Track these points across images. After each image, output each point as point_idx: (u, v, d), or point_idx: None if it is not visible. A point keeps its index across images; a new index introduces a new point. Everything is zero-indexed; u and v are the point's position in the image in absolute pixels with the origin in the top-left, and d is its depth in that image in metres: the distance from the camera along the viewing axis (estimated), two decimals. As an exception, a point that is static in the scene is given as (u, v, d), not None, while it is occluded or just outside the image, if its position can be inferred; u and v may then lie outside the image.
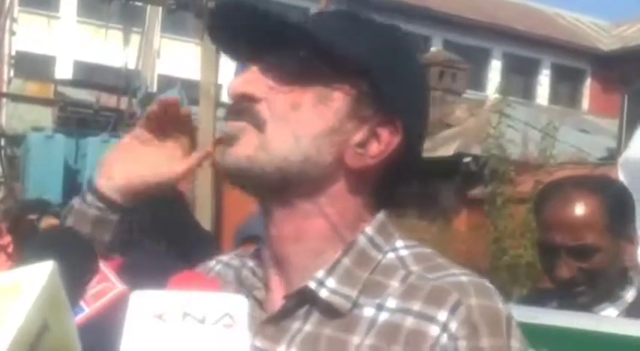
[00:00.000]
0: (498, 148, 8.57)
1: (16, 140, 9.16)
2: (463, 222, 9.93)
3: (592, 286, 1.43)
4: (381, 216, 0.82)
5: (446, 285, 0.75)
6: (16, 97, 10.76)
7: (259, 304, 0.79)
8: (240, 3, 0.78)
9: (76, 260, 0.71)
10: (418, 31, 23.03)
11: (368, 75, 0.77)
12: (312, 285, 0.77)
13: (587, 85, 25.39)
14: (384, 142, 0.78)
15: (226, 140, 0.77)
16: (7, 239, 2.20)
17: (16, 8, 15.15)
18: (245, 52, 0.80)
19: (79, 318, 0.74)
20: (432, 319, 0.73)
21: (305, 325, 0.76)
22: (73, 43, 19.28)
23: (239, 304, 0.68)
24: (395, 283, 0.77)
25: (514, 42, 23.69)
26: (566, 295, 1.47)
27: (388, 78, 0.78)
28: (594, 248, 1.42)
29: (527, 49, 24.03)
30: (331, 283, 0.76)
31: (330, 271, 0.77)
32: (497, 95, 10.44)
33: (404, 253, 0.80)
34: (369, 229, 0.80)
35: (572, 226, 1.42)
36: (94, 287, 0.75)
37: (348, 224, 0.79)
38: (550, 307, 1.49)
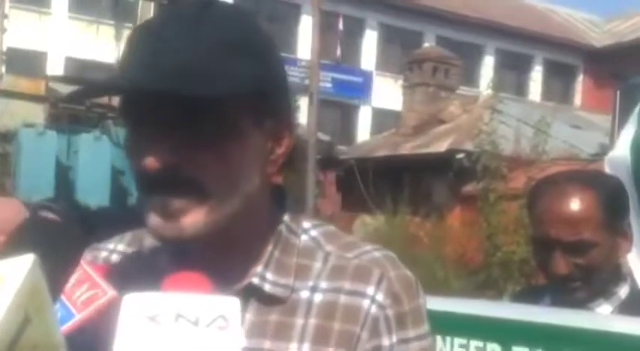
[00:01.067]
0: (491, 144, 8.59)
1: (7, 137, 9.11)
2: (456, 218, 9.96)
3: (588, 282, 1.42)
4: (287, 200, 0.87)
5: (366, 263, 0.83)
6: (7, 94, 10.70)
7: None
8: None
9: (58, 251, 0.70)
10: (411, 27, 23.05)
11: (259, 94, 0.78)
12: (256, 281, 0.81)
13: (580, 81, 25.48)
14: (287, 140, 0.83)
15: (169, 215, 0.76)
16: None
17: (7, 4, 15.07)
18: (142, 115, 0.77)
19: (71, 324, 0.73)
20: (362, 295, 0.81)
21: (245, 315, 0.79)
22: (64, 39, 19.21)
23: (232, 306, 0.68)
24: (318, 264, 0.83)
25: (507, 38, 23.74)
26: (561, 291, 1.44)
27: (271, 83, 0.80)
28: (590, 244, 1.40)
29: (520, 45, 24.09)
30: (270, 276, 0.81)
31: (266, 266, 0.82)
32: (489, 91, 10.46)
33: (314, 233, 0.85)
34: (286, 217, 0.85)
35: (568, 221, 1.40)
36: (84, 293, 0.75)
37: (268, 219, 0.84)
38: (543, 304, 1.48)
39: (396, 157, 11.74)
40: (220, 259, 0.81)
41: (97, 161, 7.47)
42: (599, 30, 25.38)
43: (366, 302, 0.80)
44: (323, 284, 0.82)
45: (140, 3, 8.88)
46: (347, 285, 0.81)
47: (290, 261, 0.83)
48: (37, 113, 9.92)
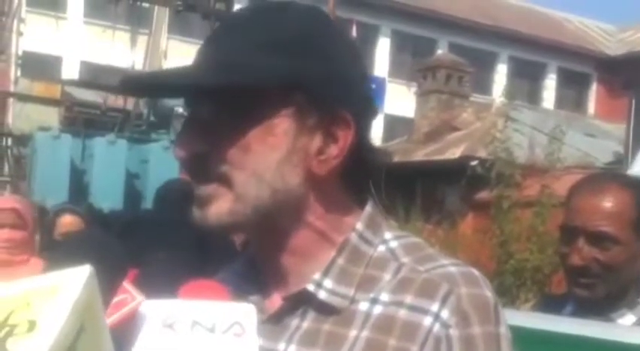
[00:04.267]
0: (505, 151, 8.55)
1: (22, 140, 9.18)
2: (469, 225, 9.91)
3: (603, 281, 1.39)
4: (368, 209, 0.83)
5: (436, 277, 0.77)
6: (23, 97, 10.78)
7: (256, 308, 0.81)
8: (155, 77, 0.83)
9: (110, 261, 0.71)
10: (424, 34, 23.03)
11: (298, 85, 0.77)
12: (311, 287, 0.79)
13: (594, 90, 25.35)
14: (342, 140, 0.79)
15: (200, 203, 0.79)
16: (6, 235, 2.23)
17: (24, 9, 15.19)
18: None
19: None
20: (425, 311, 0.75)
21: (303, 323, 0.78)
22: (80, 43, 19.33)
23: (248, 313, 0.68)
24: (387, 276, 0.78)
25: (520, 46, 23.67)
26: (575, 285, 1.42)
27: (319, 76, 0.77)
28: (614, 239, 1.38)
29: (534, 52, 24.01)
30: (328, 283, 0.79)
31: (325, 273, 0.79)
32: (503, 99, 10.43)
33: (394, 244, 0.81)
34: (359, 226, 0.81)
35: (595, 212, 1.39)
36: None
37: (334, 225, 0.81)
38: (565, 314, 1.45)
39: (408, 164, 11.71)
40: (274, 260, 0.81)
41: (112, 165, 7.51)
42: (612, 39, 25.27)
43: (427, 319, 0.74)
44: (385, 296, 0.77)
45: (155, 9, 8.92)
46: (409, 299, 0.76)
47: (356, 270, 0.79)
48: (52, 117, 9.99)
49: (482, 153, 9.89)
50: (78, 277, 0.60)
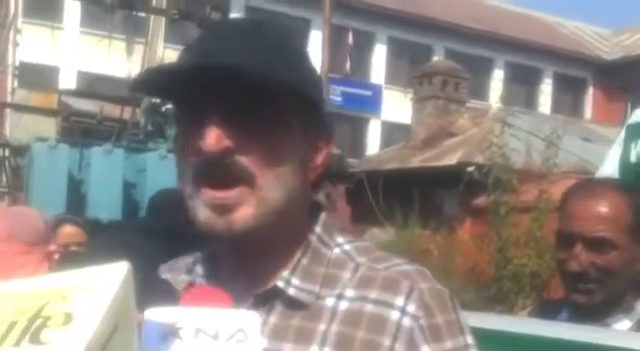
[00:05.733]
0: (502, 156, 8.56)
1: (20, 150, 9.16)
2: (467, 231, 9.91)
3: (602, 286, 1.39)
4: (323, 214, 0.88)
5: (395, 275, 0.82)
6: (19, 108, 10.78)
7: None
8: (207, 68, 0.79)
9: (138, 261, 0.72)
10: (421, 40, 23.09)
11: (306, 99, 0.82)
12: (281, 284, 0.83)
13: (590, 94, 25.40)
14: (325, 149, 0.86)
15: (222, 209, 0.79)
16: (54, 247, 2.20)
17: (20, 19, 15.22)
18: (200, 101, 0.80)
19: None
20: (390, 305, 0.80)
21: (269, 318, 0.81)
22: (76, 53, 19.35)
23: (251, 320, 0.69)
24: (347, 274, 0.84)
25: (516, 51, 23.72)
26: (573, 291, 1.41)
27: (313, 90, 0.83)
28: (611, 244, 1.38)
29: (529, 58, 24.06)
30: (295, 281, 0.83)
31: (292, 271, 0.84)
32: (499, 104, 10.44)
33: (347, 247, 0.87)
34: (318, 229, 0.87)
35: (593, 217, 1.39)
36: None
37: (300, 229, 0.86)
38: (561, 319, 1.45)
39: (405, 170, 11.73)
40: (253, 262, 0.84)
41: (109, 175, 7.49)
42: (607, 43, 25.34)
43: (395, 313, 0.80)
44: (350, 292, 0.82)
45: (151, 18, 8.94)
46: (374, 294, 0.81)
47: (318, 270, 0.84)
48: (50, 127, 9.98)
49: (479, 159, 9.90)
50: (116, 273, 0.60)
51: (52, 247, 1.97)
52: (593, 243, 1.39)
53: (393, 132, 21.11)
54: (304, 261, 0.84)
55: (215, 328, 0.67)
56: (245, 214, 0.79)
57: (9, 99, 11.98)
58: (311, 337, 0.80)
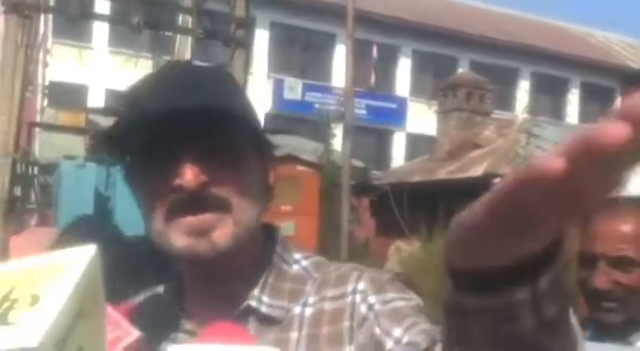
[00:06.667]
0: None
1: (48, 168, 9.31)
2: (493, 243, 9.80)
3: (625, 305, 1.40)
4: (279, 234, 0.96)
5: (345, 271, 0.90)
6: (49, 127, 10.96)
7: (190, 335, 0.88)
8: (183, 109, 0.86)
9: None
10: (445, 52, 23.06)
11: (257, 129, 0.91)
12: (254, 303, 0.89)
13: (618, 104, 25.08)
14: (272, 170, 0.93)
15: (199, 231, 0.85)
16: None
17: (50, 40, 15.52)
18: (171, 143, 0.87)
19: None
20: (344, 295, 0.87)
21: None
22: (104, 72, 19.67)
23: None
24: (308, 288, 0.91)
25: (542, 61, 23.57)
26: (596, 309, 1.42)
27: (256, 119, 0.92)
28: (635, 263, 1.39)
29: (556, 68, 23.88)
30: (265, 299, 0.89)
31: (262, 290, 0.90)
32: (525, 115, 10.39)
33: (305, 263, 0.93)
34: (278, 248, 0.93)
35: (615, 237, 1.40)
36: (108, 334, 0.74)
37: (261, 248, 0.93)
38: (584, 338, 1.44)
39: (430, 183, 11.68)
40: (223, 285, 0.90)
41: (135, 192, 7.59)
42: (635, 52, 25.05)
43: (349, 298, 0.87)
44: (311, 299, 0.89)
45: (178, 37, 9.07)
46: (330, 293, 0.89)
47: (284, 286, 0.91)
48: (78, 145, 10.14)
49: (505, 170, 9.84)
50: (83, 255, 0.60)
51: None
52: (617, 262, 1.40)
53: (417, 144, 21.06)
54: (270, 280, 0.91)
55: None
56: (224, 233, 0.86)
57: (38, 118, 12.18)
58: (286, 347, 0.85)
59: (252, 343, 0.75)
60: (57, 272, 0.58)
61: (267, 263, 0.92)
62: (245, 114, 0.89)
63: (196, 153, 0.85)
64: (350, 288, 0.88)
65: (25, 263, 0.60)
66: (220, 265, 0.88)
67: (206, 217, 0.85)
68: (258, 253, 0.92)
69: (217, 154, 0.86)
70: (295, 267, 0.93)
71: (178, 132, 0.85)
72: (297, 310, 0.89)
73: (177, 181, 0.85)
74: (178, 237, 0.85)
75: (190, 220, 0.85)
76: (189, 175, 0.84)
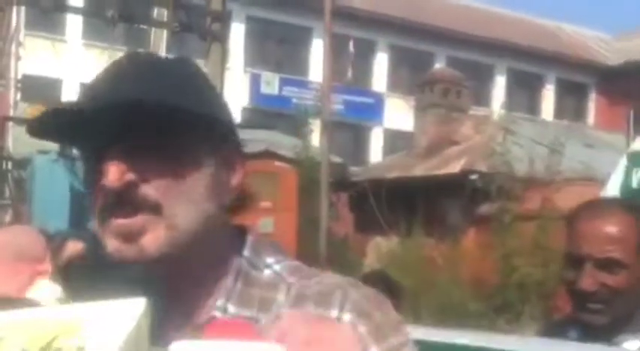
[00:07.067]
0: (505, 164, 8.55)
1: (22, 163, 9.18)
2: (471, 240, 9.89)
3: (611, 306, 1.40)
4: (250, 236, 0.88)
5: (327, 287, 0.83)
6: (21, 121, 10.80)
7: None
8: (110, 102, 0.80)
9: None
10: (422, 48, 23.13)
11: (211, 122, 0.83)
12: (218, 314, 0.82)
13: (593, 100, 25.40)
14: (239, 172, 0.86)
15: (127, 236, 0.79)
16: (47, 266, 2.18)
17: (23, 32, 15.28)
18: (101, 139, 0.81)
19: None
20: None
21: None
22: (79, 65, 19.44)
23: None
24: (281, 296, 0.83)
25: (518, 57, 23.76)
26: (582, 310, 1.42)
27: (223, 112, 0.85)
28: (621, 264, 1.39)
29: (531, 64, 24.09)
30: (232, 308, 0.82)
31: (227, 299, 0.83)
32: (502, 111, 10.45)
33: (277, 267, 0.86)
34: (246, 252, 0.86)
35: (602, 238, 1.41)
36: None
37: (227, 253, 0.85)
38: (570, 339, 1.45)
39: (408, 179, 11.71)
40: (178, 291, 0.83)
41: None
42: (609, 47, 25.34)
43: None
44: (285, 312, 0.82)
45: (152, 30, 8.97)
46: (310, 310, 0.81)
47: (253, 293, 0.84)
48: (52, 140, 10.01)
49: (482, 167, 9.89)
50: (132, 309, 0.60)
51: (43, 267, 1.94)
52: (603, 263, 1.41)
53: (395, 140, 21.11)
54: (238, 286, 0.84)
55: None
56: (154, 238, 0.79)
57: (11, 112, 11.99)
58: None
59: (257, 339, 0.72)
60: (105, 326, 0.57)
61: (233, 269, 0.84)
62: (193, 109, 0.80)
63: (125, 150, 0.79)
64: (333, 313, 0.81)
65: (72, 311, 0.59)
66: (166, 268, 0.81)
67: (135, 220, 0.78)
68: (220, 257, 0.84)
69: (149, 152, 0.79)
70: (267, 272, 0.85)
71: (107, 127, 0.79)
72: (267, 322, 0.81)
73: (102, 181, 0.79)
74: (109, 240, 0.80)
75: (118, 222, 0.79)
76: (112, 175, 0.78)
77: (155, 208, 0.79)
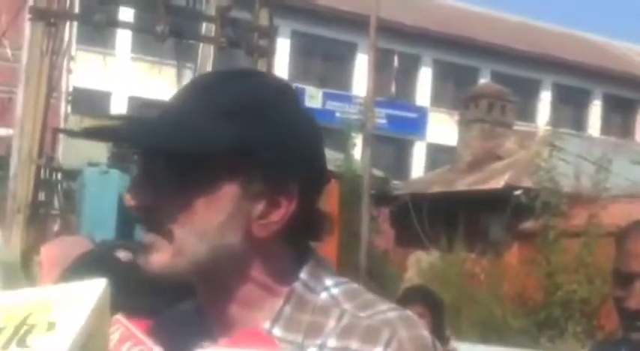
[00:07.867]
0: (550, 180, 8.43)
1: (72, 175, 9.39)
2: (514, 256, 9.75)
3: None
4: (311, 260, 0.87)
5: (377, 323, 0.81)
6: (72, 133, 11.06)
7: None
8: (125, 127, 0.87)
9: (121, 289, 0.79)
10: (466, 62, 23.00)
11: (247, 153, 0.82)
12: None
13: (641, 116, 24.85)
14: (284, 208, 0.83)
15: (144, 249, 0.85)
16: None
17: (74, 46, 15.68)
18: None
19: None
20: None
21: None
22: (128, 79, 19.85)
23: None
24: (332, 322, 0.82)
25: (564, 72, 23.42)
26: (631, 328, 1.41)
27: (268, 146, 0.82)
28: None
29: (578, 79, 23.72)
30: (278, 331, 0.83)
31: (274, 321, 0.83)
32: (547, 127, 10.33)
33: (335, 291, 0.86)
34: (303, 275, 0.86)
35: None
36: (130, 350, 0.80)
37: (278, 278, 0.85)
38: None
39: (451, 194, 11.63)
40: (220, 309, 0.86)
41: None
42: (659, 63, 24.80)
43: None
44: (332, 342, 0.81)
45: (201, 45, 9.12)
46: (354, 345, 0.80)
47: (303, 318, 0.84)
48: (101, 152, 10.22)
49: (526, 182, 9.77)
50: (95, 288, 0.68)
51: None
52: None
53: (438, 154, 20.99)
54: (287, 310, 0.84)
55: None
56: (161, 259, 0.84)
57: (62, 124, 12.30)
58: None
59: (275, 349, 0.75)
60: (72, 303, 0.66)
61: (286, 292, 0.84)
62: (206, 150, 0.81)
63: (149, 175, 0.84)
64: None
65: (42, 293, 0.69)
66: (203, 286, 0.86)
67: (148, 238, 0.84)
68: (271, 280, 0.85)
69: (169, 180, 0.83)
70: (323, 295, 0.85)
71: (141, 151, 0.87)
72: (312, 350, 0.81)
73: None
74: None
75: (142, 235, 0.86)
76: (131, 195, 0.85)
77: (167, 234, 0.83)
